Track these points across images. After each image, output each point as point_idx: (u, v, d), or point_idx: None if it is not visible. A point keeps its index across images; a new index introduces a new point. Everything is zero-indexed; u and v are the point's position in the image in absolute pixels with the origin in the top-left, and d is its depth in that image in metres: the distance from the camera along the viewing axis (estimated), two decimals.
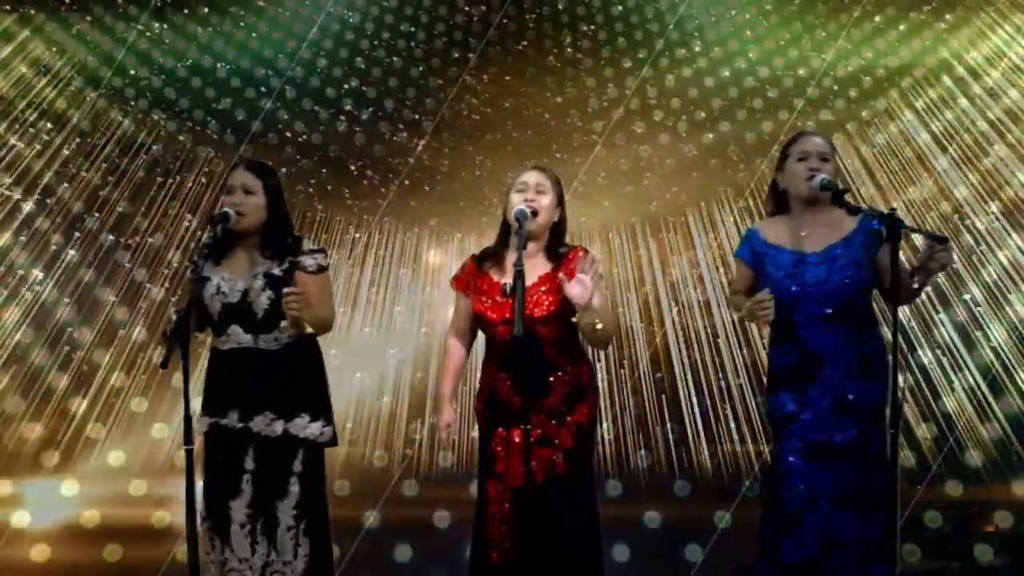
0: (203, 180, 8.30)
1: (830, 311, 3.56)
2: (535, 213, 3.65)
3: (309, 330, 3.73)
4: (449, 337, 3.91)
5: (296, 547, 3.65)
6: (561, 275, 3.53)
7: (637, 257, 8.76)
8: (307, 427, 3.67)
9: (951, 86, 7.91)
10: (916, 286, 3.49)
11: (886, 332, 3.74)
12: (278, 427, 3.64)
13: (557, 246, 3.76)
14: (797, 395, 3.57)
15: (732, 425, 8.08)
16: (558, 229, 3.79)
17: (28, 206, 7.80)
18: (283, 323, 3.65)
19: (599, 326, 3.52)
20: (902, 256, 3.35)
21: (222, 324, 3.68)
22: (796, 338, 3.57)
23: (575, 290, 3.44)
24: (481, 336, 3.86)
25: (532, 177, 3.74)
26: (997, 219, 7.62)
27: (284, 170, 8.35)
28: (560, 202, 3.79)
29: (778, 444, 3.62)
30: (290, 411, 3.66)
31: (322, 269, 3.74)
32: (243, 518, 3.64)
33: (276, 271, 3.69)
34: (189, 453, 3.60)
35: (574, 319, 3.58)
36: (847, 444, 3.53)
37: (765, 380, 3.81)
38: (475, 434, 3.94)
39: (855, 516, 3.50)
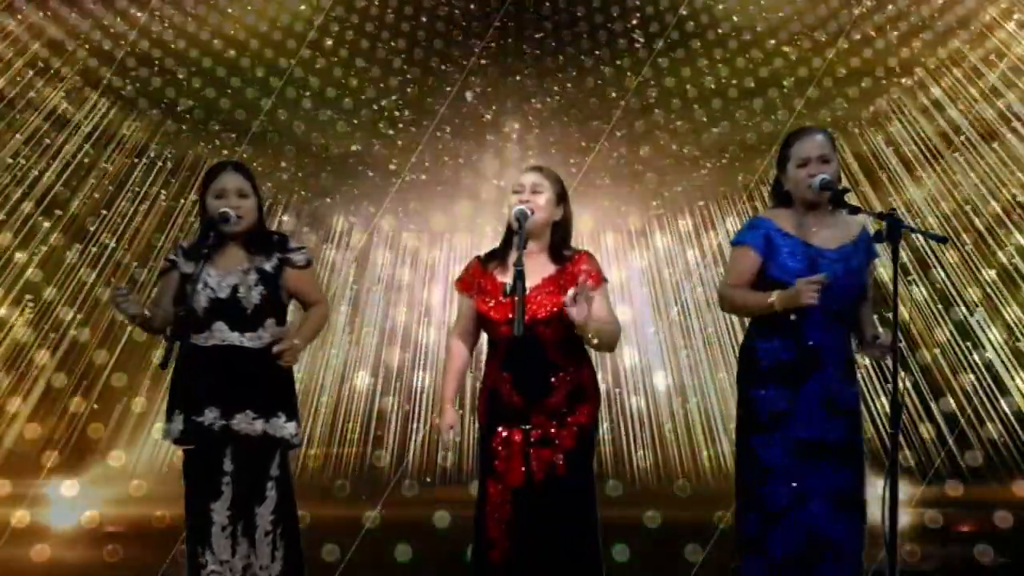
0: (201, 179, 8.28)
1: (837, 309, 3.55)
2: (532, 212, 3.64)
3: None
4: (452, 338, 3.90)
5: (274, 551, 3.67)
6: (565, 299, 3.50)
7: (637, 257, 8.76)
8: (284, 427, 3.69)
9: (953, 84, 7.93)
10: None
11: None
12: (258, 426, 3.65)
13: (561, 247, 3.75)
14: (788, 391, 3.55)
15: (731, 425, 8.07)
16: (561, 227, 3.78)
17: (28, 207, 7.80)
18: (268, 321, 3.68)
19: (595, 341, 3.55)
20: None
21: (206, 320, 3.68)
22: (799, 333, 3.54)
23: (570, 311, 3.43)
24: (484, 337, 3.87)
25: (528, 178, 3.74)
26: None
27: (288, 167, 8.39)
28: (561, 200, 3.78)
29: (764, 440, 3.56)
30: (269, 411, 3.67)
31: (310, 262, 3.85)
32: (224, 520, 3.64)
33: (267, 267, 3.73)
34: (188, 452, 3.62)
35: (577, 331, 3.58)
36: (836, 444, 3.53)
37: (740, 373, 3.71)
38: (476, 433, 3.93)
39: (841, 516, 3.51)
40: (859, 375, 3.74)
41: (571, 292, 3.44)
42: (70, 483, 7.25)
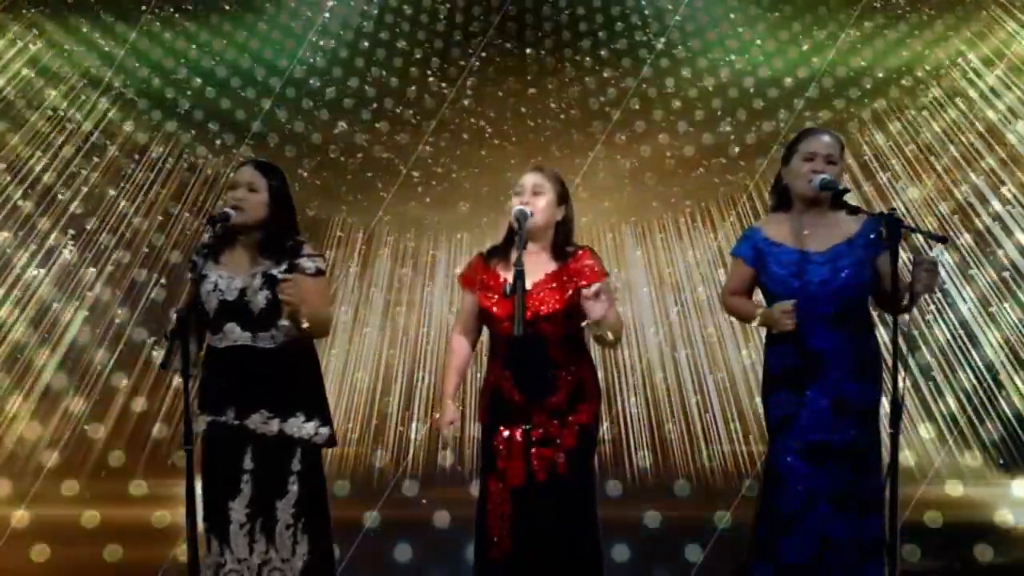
0: (202, 179, 8.30)
1: (833, 311, 3.56)
2: (531, 213, 3.65)
3: (305, 325, 3.72)
4: (454, 334, 3.91)
5: (295, 545, 3.65)
6: (584, 292, 3.50)
7: (637, 257, 8.76)
8: (302, 427, 3.67)
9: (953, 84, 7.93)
10: (906, 302, 3.38)
11: (881, 334, 3.76)
12: (274, 426, 3.64)
13: (563, 244, 3.76)
14: (795, 395, 3.57)
15: (732, 425, 8.07)
16: (563, 227, 3.78)
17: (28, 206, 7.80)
18: (280, 321, 3.66)
19: (610, 337, 3.53)
20: (901, 266, 3.33)
21: (218, 321, 3.68)
22: (796, 337, 3.56)
23: (591, 307, 3.43)
24: (486, 333, 3.87)
25: (529, 179, 3.75)
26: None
27: (305, 172, 8.38)
28: (563, 200, 3.78)
29: (775, 444, 3.62)
30: (285, 410, 3.66)
31: (320, 272, 3.75)
32: (243, 518, 3.64)
33: (275, 272, 3.69)
34: (189, 453, 3.61)
35: (583, 324, 3.58)
36: (844, 445, 3.54)
37: (761, 381, 3.77)
38: (476, 432, 3.94)
39: (852, 517, 3.51)
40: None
41: (595, 287, 3.44)
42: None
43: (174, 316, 3.60)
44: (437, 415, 3.88)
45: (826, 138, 3.67)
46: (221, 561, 3.64)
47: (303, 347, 3.77)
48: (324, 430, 3.72)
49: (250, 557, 3.64)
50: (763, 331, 3.78)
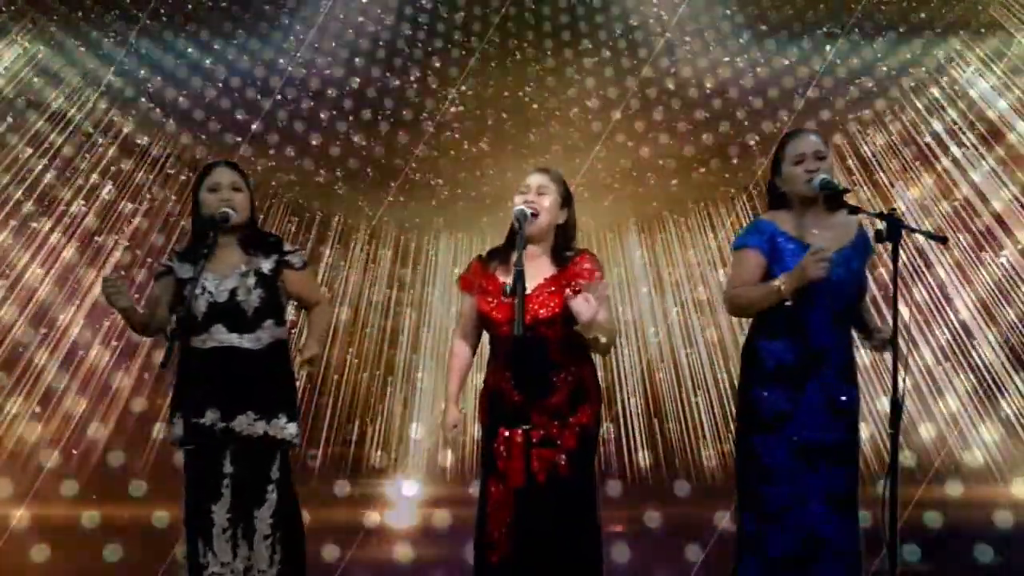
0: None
1: (840, 310, 3.57)
2: (535, 215, 3.66)
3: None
4: (455, 338, 3.91)
5: (272, 556, 3.68)
6: (568, 292, 3.51)
7: (637, 257, 8.76)
8: (284, 428, 3.69)
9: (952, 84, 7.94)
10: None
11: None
12: (260, 427, 3.64)
13: (564, 248, 3.76)
14: (792, 393, 3.55)
15: (733, 425, 8.06)
16: (565, 230, 3.78)
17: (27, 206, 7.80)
18: (266, 322, 3.67)
19: (603, 340, 3.52)
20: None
21: (204, 323, 3.67)
22: (803, 334, 3.54)
23: (580, 307, 3.43)
24: (486, 336, 3.86)
25: (534, 179, 3.75)
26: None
27: (288, 167, 8.36)
28: (566, 203, 3.79)
29: (764, 440, 3.58)
30: (270, 411, 3.67)
31: (306, 264, 3.88)
32: (224, 522, 3.65)
33: (265, 269, 3.71)
34: (188, 452, 3.62)
35: (576, 328, 3.57)
36: (838, 445, 3.54)
37: (742, 372, 3.74)
38: (477, 433, 3.94)
39: (845, 519, 3.51)
40: (859, 376, 3.74)
41: (585, 291, 3.43)
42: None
43: (173, 317, 3.62)
44: (439, 419, 3.88)
45: (811, 137, 3.68)
46: (203, 563, 3.64)
47: (283, 349, 3.80)
48: (299, 432, 3.79)
49: (233, 561, 3.65)
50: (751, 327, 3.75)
